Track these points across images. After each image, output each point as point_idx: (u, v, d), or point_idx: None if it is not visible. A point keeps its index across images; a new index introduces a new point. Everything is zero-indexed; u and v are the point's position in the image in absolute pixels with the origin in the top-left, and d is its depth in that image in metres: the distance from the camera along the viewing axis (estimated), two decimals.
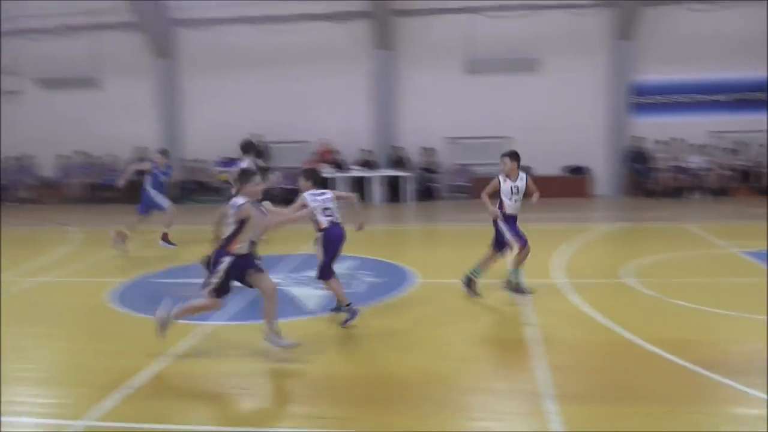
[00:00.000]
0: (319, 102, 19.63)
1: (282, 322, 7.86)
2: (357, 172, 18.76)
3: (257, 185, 6.50)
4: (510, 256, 8.78)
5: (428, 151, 19.43)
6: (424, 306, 8.50)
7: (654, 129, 18.85)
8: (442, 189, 19.59)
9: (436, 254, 11.21)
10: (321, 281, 7.75)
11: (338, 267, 10.23)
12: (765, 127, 18.78)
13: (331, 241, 7.59)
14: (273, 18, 19.41)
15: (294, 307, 8.49)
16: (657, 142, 18.79)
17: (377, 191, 18.71)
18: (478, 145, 19.67)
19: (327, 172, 18.45)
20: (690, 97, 19.23)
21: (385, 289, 9.28)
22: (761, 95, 19.01)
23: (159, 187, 12.56)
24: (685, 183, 18.44)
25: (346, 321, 7.56)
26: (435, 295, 8.98)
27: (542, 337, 7.07)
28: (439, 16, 19.20)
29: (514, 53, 18.92)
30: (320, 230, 7.57)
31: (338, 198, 7.80)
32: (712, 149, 18.79)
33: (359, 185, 19.11)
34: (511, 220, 8.51)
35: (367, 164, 19.20)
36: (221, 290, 6.54)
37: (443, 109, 19.32)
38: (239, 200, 6.38)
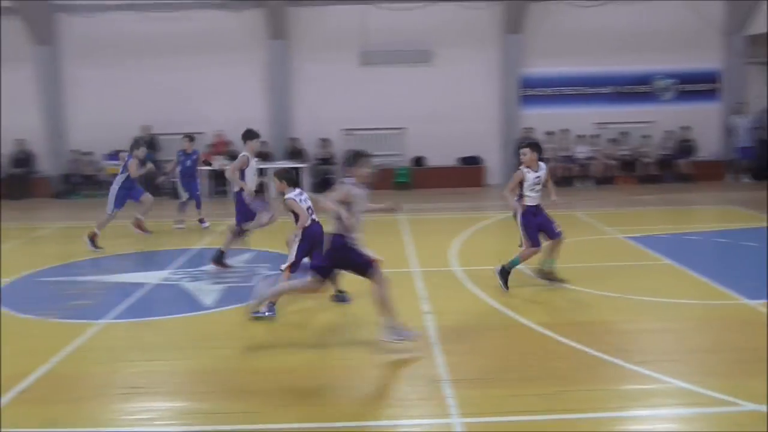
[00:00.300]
0: (212, 92, 19.16)
1: (177, 318, 7.69)
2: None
3: (366, 168, 6.45)
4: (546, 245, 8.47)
5: (324, 143, 19.35)
6: (322, 297, 8.46)
7: (543, 120, 19.40)
8: (338, 180, 19.54)
9: None
10: (285, 272, 7.68)
11: (234, 260, 10.12)
12: (646, 119, 19.76)
13: (314, 237, 7.70)
14: (162, 5, 18.78)
15: (189, 302, 8.28)
16: (546, 133, 19.40)
17: (273, 183, 18.48)
18: (373, 137, 19.74)
19: (220, 164, 18.07)
20: (576, 89, 19.96)
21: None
22: (643, 88, 19.98)
23: (128, 183, 11.76)
24: (572, 172, 19.15)
25: (258, 313, 7.31)
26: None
27: (440, 324, 7.18)
28: (332, 7, 19.09)
29: (408, 45, 19.06)
30: (304, 227, 7.67)
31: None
32: (597, 140, 19.59)
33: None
34: (530, 213, 8.38)
35: (263, 156, 18.90)
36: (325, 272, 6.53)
37: (339, 100, 19.25)
38: (346, 182, 6.40)
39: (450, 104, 19.13)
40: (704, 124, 19.60)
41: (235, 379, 5.86)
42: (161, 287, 9.06)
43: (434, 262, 9.83)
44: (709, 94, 20.01)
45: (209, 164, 17.35)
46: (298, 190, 7.92)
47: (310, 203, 7.89)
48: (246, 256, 10.68)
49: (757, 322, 7.13)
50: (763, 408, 5.01)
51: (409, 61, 19.22)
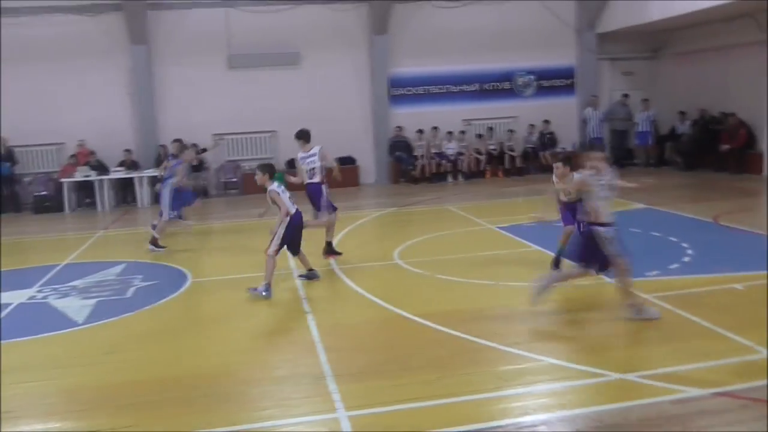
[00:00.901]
0: (72, 101, 18.23)
1: (46, 337, 7.33)
2: (120, 174, 17.81)
3: (594, 157, 6.84)
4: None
5: (195, 149, 18.85)
6: (200, 304, 8.33)
7: (413, 118, 19.81)
8: (211, 186, 19.19)
9: (207, 252, 10.97)
10: (270, 254, 8.33)
11: (106, 274, 9.78)
12: (510, 114, 20.60)
13: (297, 225, 8.56)
14: (15, 10, 17.68)
15: (59, 320, 7.90)
16: (417, 131, 19.81)
17: (143, 192, 17.90)
18: (245, 140, 19.50)
19: (84, 174, 17.35)
20: (443, 87, 20.51)
21: (159, 291, 8.93)
22: (506, 85, 20.81)
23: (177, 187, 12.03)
24: (444, 168, 19.67)
25: (257, 290, 8.22)
26: (211, 292, 8.83)
27: (322, 322, 7.22)
28: (194, 10, 18.63)
29: (276, 47, 18.91)
30: (288, 215, 8.42)
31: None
32: (465, 136, 20.20)
33: (124, 187, 18.20)
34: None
35: (131, 165, 18.28)
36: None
37: (208, 105, 18.83)
38: (578, 174, 6.93)
39: (321, 105, 19.16)
40: (563, 117, 20.66)
41: (112, 394, 5.66)
42: (27, 306, 8.59)
43: (312, 262, 9.85)
44: (567, 89, 21.10)
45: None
46: (277, 183, 8.61)
47: (289, 193, 8.65)
48: (117, 269, 10.32)
49: (618, 299, 7.60)
50: (626, 376, 5.38)
51: (278, 64, 19.10)
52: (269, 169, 8.64)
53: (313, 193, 10.14)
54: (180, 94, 18.78)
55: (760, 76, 17.07)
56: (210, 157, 18.97)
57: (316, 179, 10.11)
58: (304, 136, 10.44)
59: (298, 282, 9.00)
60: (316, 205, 10.12)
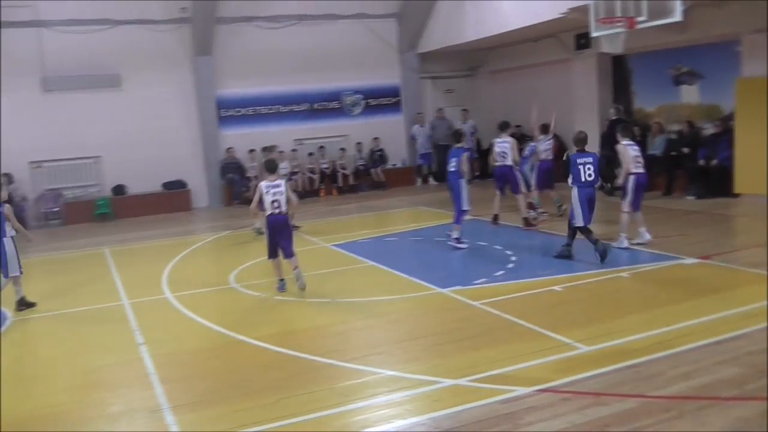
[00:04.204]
0: None
1: None
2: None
3: None
4: None
5: (7, 177, 17.50)
6: (24, 344, 7.78)
7: (243, 140, 19.56)
8: (30, 217, 17.88)
9: (28, 289, 10.22)
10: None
11: None
12: (340, 132, 20.94)
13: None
14: None
15: None
16: (249, 151, 19.59)
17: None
18: (66, 168, 18.38)
19: None
20: (272, 108, 20.47)
21: None
22: (335, 104, 21.13)
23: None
24: None
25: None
26: (36, 331, 8.28)
27: (157, 353, 7.00)
28: (3, 30, 17.41)
29: (95, 69, 17.97)
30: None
31: None
32: (297, 155, 20.27)
33: None
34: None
35: None
36: None
37: (22, 131, 17.49)
38: None
39: (146, 129, 18.51)
40: (392, 135, 21.31)
41: None
42: None
43: (145, 292, 9.51)
44: (394, 107, 21.80)
45: None
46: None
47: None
48: None
49: (449, 308, 7.97)
50: (459, 381, 5.64)
51: (98, 86, 18.18)
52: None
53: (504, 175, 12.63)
54: None
55: (565, 92, 18.51)
56: (30, 186, 17.81)
57: (508, 162, 12.59)
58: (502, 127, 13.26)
59: (130, 314, 8.64)
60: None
